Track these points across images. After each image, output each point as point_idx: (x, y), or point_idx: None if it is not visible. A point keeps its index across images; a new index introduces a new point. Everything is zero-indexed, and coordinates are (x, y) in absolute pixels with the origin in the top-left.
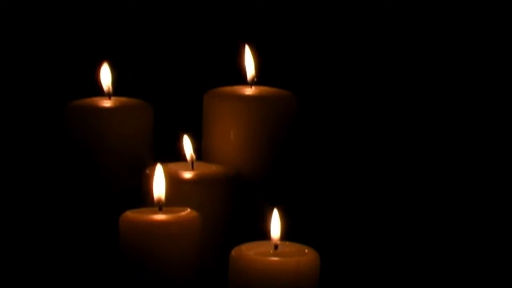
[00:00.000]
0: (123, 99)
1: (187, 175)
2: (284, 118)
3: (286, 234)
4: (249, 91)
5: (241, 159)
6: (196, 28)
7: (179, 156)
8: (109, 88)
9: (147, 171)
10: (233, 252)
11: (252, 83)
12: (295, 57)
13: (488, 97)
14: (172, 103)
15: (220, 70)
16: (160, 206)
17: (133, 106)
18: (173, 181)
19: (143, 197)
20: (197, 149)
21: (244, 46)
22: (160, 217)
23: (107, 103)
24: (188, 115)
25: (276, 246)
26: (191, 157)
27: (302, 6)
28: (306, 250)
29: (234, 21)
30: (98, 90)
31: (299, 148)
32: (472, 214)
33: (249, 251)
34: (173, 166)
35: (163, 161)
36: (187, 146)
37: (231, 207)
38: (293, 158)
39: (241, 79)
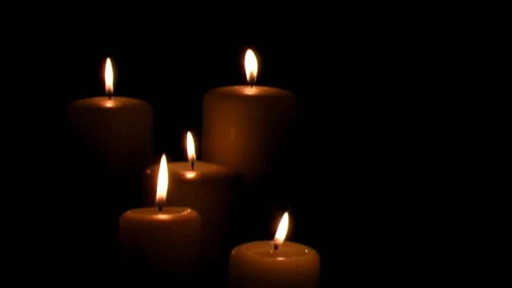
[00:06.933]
0: (123, 99)
1: (187, 175)
2: (284, 118)
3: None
4: (249, 91)
5: (241, 159)
6: (196, 28)
7: (180, 156)
8: (109, 88)
9: (148, 171)
10: (233, 252)
11: (252, 83)
12: (295, 57)
13: (488, 97)
14: (172, 103)
15: (220, 70)
16: (160, 206)
17: (133, 106)
18: (173, 181)
19: (143, 197)
20: (197, 149)
21: (244, 46)
22: (160, 217)
23: (107, 103)
24: (188, 115)
25: (276, 246)
26: (191, 157)
27: (302, 6)
28: (306, 250)
29: (234, 21)
30: (97, 90)
31: (299, 148)
32: (472, 214)
33: (249, 251)
34: (173, 166)
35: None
36: (190, 144)
37: (231, 207)
38: (293, 158)
39: (241, 79)
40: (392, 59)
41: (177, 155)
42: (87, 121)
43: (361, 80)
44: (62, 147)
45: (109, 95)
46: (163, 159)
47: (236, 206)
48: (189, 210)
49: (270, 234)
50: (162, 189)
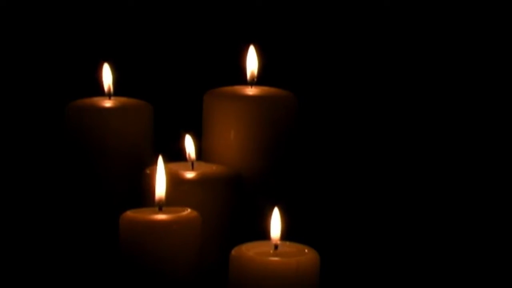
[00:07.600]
0: (123, 99)
1: (187, 175)
2: (284, 118)
3: (286, 234)
4: (249, 91)
5: (241, 159)
6: (196, 28)
7: (179, 156)
8: (109, 88)
9: (147, 171)
10: (233, 252)
11: (252, 83)
12: (295, 57)
13: (488, 97)
14: (172, 103)
15: (220, 70)
16: (160, 206)
17: (133, 106)
18: (173, 181)
19: (143, 197)
20: (197, 149)
21: (244, 46)
22: (160, 217)
23: (107, 103)
24: (188, 115)
25: (276, 246)
26: (191, 157)
27: (302, 6)
28: (306, 250)
29: (234, 21)
30: (98, 90)
31: (299, 148)
32: (472, 214)
33: (249, 251)
34: (173, 166)
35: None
36: (189, 145)
37: (231, 207)
38: (293, 158)
39: (241, 79)
40: (392, 59)
41: (177, 155)
42: (87, 121)
43: (361, 80)
44: (62, 146)
45: (109, 95)
46: (160, 159)
47: (236, 206)
48: (189, 210)
49: (268, 234)
50: (160, 189)
